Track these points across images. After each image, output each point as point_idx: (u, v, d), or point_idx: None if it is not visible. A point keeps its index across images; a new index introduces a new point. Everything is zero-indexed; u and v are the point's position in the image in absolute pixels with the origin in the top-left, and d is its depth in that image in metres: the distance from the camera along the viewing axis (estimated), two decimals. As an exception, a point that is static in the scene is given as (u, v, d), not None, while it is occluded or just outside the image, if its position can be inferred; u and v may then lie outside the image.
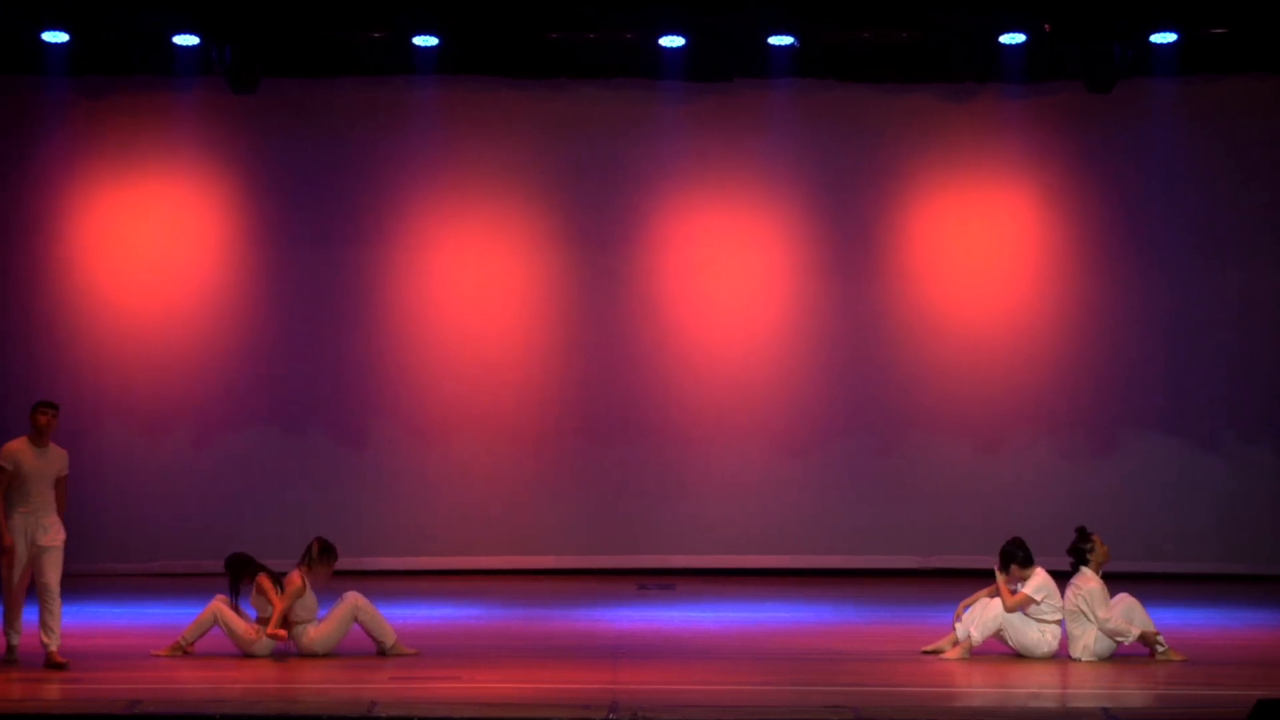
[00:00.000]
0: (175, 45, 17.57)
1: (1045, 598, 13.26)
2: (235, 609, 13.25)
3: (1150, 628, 13.16)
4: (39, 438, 12.61)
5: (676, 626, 15.12)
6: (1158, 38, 17.44)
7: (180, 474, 18.37)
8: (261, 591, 13.15)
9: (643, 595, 17.22)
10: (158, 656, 13.04)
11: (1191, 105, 18.37)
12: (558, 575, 18.37)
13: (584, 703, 11.05)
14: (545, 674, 12.58)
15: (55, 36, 17.47)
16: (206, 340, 18.52)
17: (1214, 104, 18.41)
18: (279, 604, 13.05)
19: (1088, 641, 13.15)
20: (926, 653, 13.36)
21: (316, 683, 12.22)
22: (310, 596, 13.23)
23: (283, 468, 18.45)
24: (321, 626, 13.19)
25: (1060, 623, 13.27)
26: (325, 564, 13.31)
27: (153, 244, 18.59)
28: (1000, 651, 13.38)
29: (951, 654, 13.21)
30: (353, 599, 13.20)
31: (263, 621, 13.15)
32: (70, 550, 12.85)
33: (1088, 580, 13.25)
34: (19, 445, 12.61)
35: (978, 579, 16.35)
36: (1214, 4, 17.23)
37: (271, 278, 18.62)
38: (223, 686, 11.90)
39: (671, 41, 17.67)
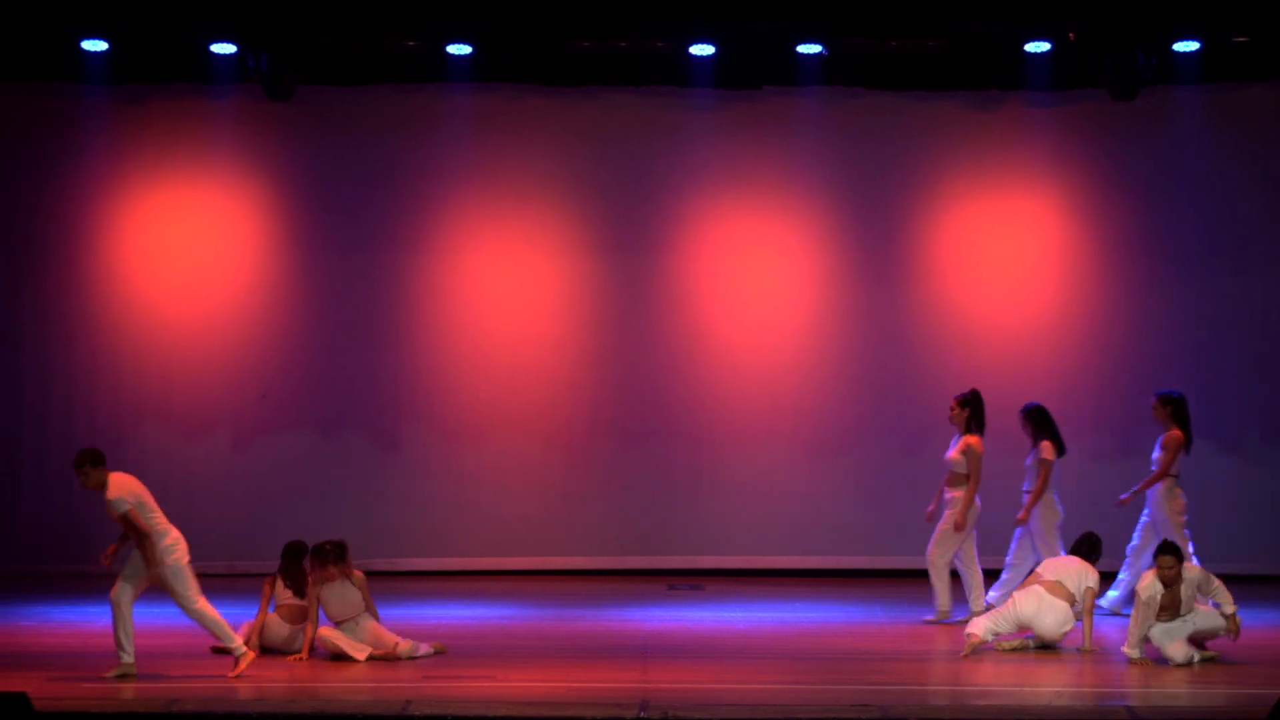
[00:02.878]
0: (212, 53, 17.67)
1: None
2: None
3: (1135, 650, 13.25)
4: None
5: (706, 626, 15.23)
6: (1181, 46, 17.48)
7: (218, 477, 18.49)
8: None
9: (672, 595, 17.32)
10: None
11: (1215, 112, 18.41)
12: (588, 576, 18.45)
13: (615, 701, 11.18)
14: (576, 673, 12.71)
15: (94, 45, 17.61)
16: (243, 345, 18.63)
17: (1237, 111, 18.45)
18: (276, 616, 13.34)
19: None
20: (966, 657, 13.42)
21: (350, 681, 12.37)
22: (332, 597, 13.28)
23: (318, 470, 18.54)
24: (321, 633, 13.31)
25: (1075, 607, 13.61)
26: (318, 568, 13.23)
27: (190, 249, 18.70)
28: (1023, 637, 13.56)
29: (975, 634, 13.40)
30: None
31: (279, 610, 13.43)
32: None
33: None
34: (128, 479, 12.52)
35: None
36: (1236, 13, 17.28)
37: (307, 283, 18.74)
38: (260, 685, 12.05)
39: (701, 50, 17.73)
